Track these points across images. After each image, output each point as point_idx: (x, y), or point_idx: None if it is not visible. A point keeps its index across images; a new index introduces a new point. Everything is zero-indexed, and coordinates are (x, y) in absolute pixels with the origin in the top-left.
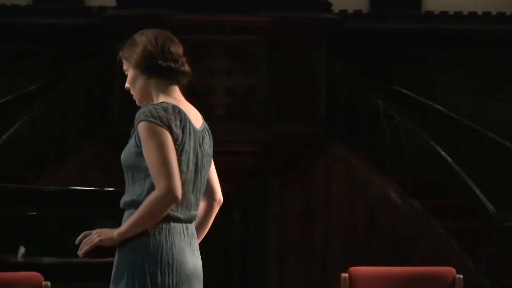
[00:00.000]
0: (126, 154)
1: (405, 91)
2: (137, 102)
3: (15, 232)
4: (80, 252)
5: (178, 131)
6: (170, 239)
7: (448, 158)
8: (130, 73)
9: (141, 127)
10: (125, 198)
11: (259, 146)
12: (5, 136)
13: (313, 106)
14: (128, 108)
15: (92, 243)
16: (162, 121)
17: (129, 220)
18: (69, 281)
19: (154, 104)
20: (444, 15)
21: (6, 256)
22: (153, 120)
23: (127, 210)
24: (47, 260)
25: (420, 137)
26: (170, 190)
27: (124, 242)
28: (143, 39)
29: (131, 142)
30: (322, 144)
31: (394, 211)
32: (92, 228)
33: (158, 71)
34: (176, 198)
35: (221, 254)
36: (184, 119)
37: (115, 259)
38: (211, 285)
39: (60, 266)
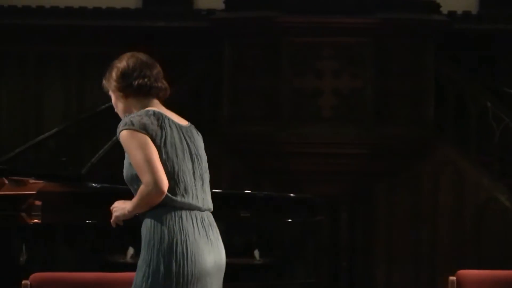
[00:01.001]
0: (124, 170)
1: None
2: None
3: (125, 233)
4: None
5: (155, 128)
6: (184, 230)
7: None
8: (112, 96)
9: (121, 137)
10: None
11: (366, 148)
12: (115, 137)
13: (421, 108)
14: (237, 109)
15: (112, 220)
16: (137, 126)
17: (130, 204)
18: None
19: (130, 115)
20: None
21: (116, 256)
22: (128, 127)
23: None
24: None
25: None
26: (154, 183)
27: (143, 232)
28: (117, 63)
29: (125, 157)
30: (430, 146)
31: (502, 214)
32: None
33: (132, 88)
34: (161, 190)
35: (328, 256)
36: (161, 117)
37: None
38: (320, 287)
39: None
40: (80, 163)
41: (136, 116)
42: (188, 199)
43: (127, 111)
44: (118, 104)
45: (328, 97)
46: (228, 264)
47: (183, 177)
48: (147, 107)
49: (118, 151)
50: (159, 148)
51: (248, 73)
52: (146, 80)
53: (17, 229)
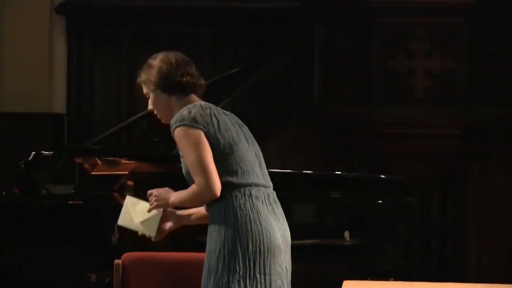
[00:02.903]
0: (183, 167)
1: None
2: (163, 121)
3: None
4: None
5: (207, 118)
6: (255, 208)
7: None
8: (151, 95)
9: (175, 135)
10: None
11: (459, 130)
12: None
13: None
14: (328, 90)
15: (150, 207)
16: (188, 121)
17: (178, 196)
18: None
19: (182, 110)
20: None
21: (206, 236)
22: (181, 123)
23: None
24: None
25: None
26: (207, 185)
27: (213, 218)
28: (157, 61)
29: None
30: None
31: None
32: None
33: (176, 87)
34: (214, 192)
35: (420, 238)
36: (209, 107)
37: (207, 234)
38: (410, 268)
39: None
40: (172, 144)
41: (185, 110)
42: (252, 177)
43: (169, 109)
44: (158, 102)
45: (420, 78)
46: (318, 245)
47: (243, 156)
48: (188, 104)
49: None
50: (214, 135)
51: (339, 54)
52: (190, 77)
53: (110, 209)
